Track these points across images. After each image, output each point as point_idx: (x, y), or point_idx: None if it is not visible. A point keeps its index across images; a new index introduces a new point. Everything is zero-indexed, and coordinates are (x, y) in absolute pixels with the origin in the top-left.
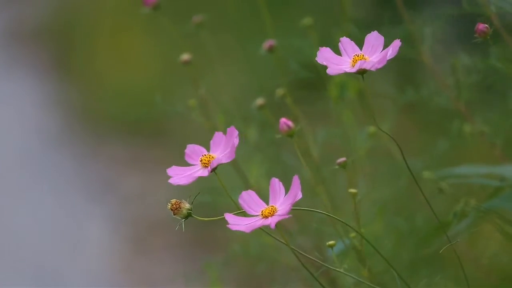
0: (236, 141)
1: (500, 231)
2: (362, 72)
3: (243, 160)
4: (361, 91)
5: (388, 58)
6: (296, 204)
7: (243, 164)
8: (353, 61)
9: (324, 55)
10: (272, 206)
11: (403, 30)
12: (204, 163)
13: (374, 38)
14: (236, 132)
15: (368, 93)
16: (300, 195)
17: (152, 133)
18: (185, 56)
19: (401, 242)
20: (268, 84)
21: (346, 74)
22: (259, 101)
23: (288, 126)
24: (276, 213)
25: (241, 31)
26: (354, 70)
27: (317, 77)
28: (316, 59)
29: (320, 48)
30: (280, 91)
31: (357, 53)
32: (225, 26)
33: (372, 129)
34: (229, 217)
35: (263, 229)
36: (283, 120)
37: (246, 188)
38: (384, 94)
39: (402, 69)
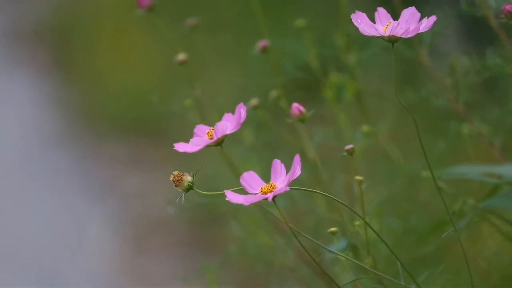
0: (243, 113)
1: (499, 230)
2: (393, 40)
3: (239, 161)
4: (359, 92)
5: (421, 31)
6: (294, 203)
7: (239, 165)
8: (386, 27)
9: (359, 17)
10: (272, 183)
11: None
12: (210, 135)
13: (409, 13)
14: (245, 107)
15: (366, 93)
16: (299, 171)
17: (152, 133)
18: (181, 56)
19: (398, 242)
20: (265, 85)
21: (344, 74)
22: (253, 101)
23: (300, 111)
24: (275, 190)
25: (239, 31)
26: (386, 34)
27: (313, 79)
28: (351, 17)
29: (356, 11)
30: (274, 93)
31: (391, 21)
32: (223, 26)
33: (366, 128)
34: (229, 193)
35: (259, 205)
36: (295, 105)
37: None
38: (383, 95)
39: (400, 70)
